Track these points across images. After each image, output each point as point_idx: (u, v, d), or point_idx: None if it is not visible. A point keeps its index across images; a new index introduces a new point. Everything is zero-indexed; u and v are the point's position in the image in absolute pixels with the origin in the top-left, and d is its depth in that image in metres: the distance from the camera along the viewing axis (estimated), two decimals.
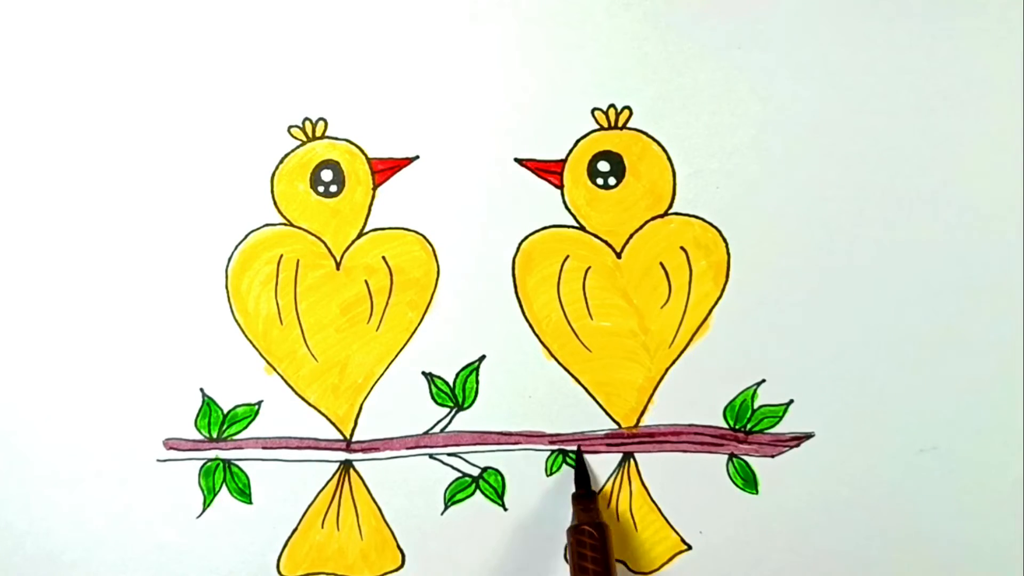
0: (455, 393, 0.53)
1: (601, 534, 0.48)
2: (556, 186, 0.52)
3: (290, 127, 0.52)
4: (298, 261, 0.52)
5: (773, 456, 0.53)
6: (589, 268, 0.53)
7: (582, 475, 0.53)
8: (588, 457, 0.54)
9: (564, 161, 0.52)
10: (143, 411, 0.53)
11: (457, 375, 0.53)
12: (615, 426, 0.54)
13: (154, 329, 0.52)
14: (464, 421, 0.53)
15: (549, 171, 0.52)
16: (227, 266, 0.52)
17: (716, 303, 0.52)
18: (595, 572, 0.47)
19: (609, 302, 0.53)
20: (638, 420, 0.54)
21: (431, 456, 0.54)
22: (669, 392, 0.53)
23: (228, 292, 0.52)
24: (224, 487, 0.53)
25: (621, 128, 0.51)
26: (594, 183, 0.52)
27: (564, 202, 0.52)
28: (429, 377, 0.53)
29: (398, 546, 0.55)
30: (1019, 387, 0.53)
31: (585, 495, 0.52)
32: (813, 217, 0.52)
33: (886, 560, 0.54)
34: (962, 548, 0.54)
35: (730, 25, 0.51)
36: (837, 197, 0.51)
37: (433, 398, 0.53)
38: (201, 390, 0.53)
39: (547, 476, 0.54)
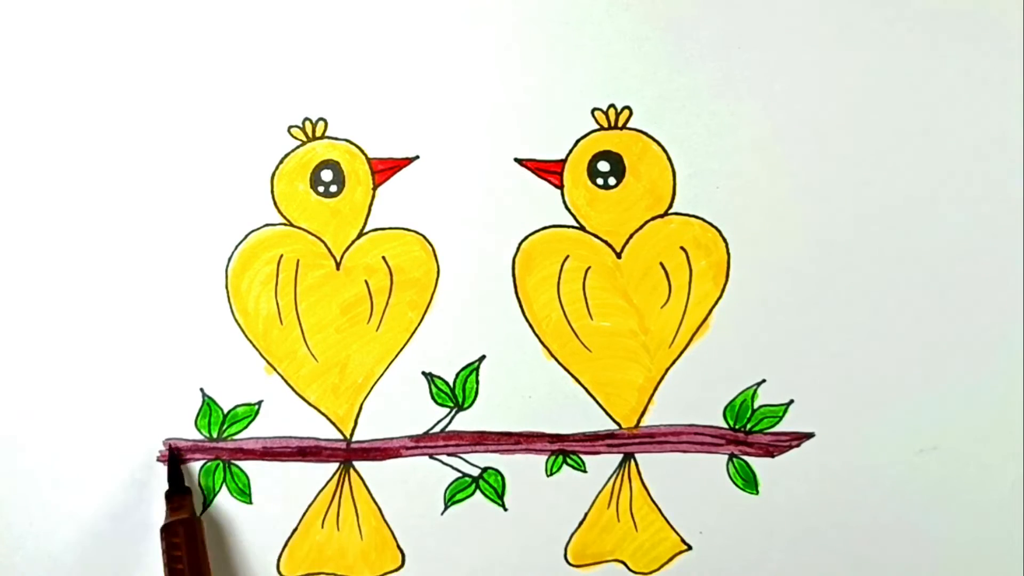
0: (455, 393, 0.53)
1: (190, 529, 0.49)
2: (556, 186, 0.52)
3: (290, 127, 0.52)
4: (298, 261, 0.52)
5: (773, 456, 0.53)
6: (589, 268, 0.53)
7: (175, 473, 0.52)
8: (587, 458, 0.54)
9: (564, 161, 0.52)
10: (143, 411, 0.53)
11: (457, 375, 0.53)
12: (615, 426, 0.54)
13: (154, 329, 0.52)
14: (464, 421, 0.53)
15: (549, 171, 0.52)
16: (227, 266, 0.52)
17: (716, 303, 0.52)
18: (182, 571, 0.48)
19: (609, 302, 0.53)
20: (638, 420, 0.54)
21: (431, 456, 0.54)
22: (669, 392, 0.53)
23: (228, 292, 0.52)
24: (224, 487, 0.53)
25: (621, 128, 0.51)
26: (594, 183, 0.52)
27: (564, 202, 0.52)
28: (429, 377, 0.53)
29: (398, 546, 0.55)
30: (1019, 387, 0.53)
31: (176, 492, 0.52)
32: (813, 217, 0.52)
33: (886, 560, 0.54)
34: (962, 548, 0.54)
35: (730, 25, 0.51)
36: (837, 197, 0.51)
37: (433, 398, 0.53)
38: (201, 390, 0.53)
39: (547, 476, 0.54)
